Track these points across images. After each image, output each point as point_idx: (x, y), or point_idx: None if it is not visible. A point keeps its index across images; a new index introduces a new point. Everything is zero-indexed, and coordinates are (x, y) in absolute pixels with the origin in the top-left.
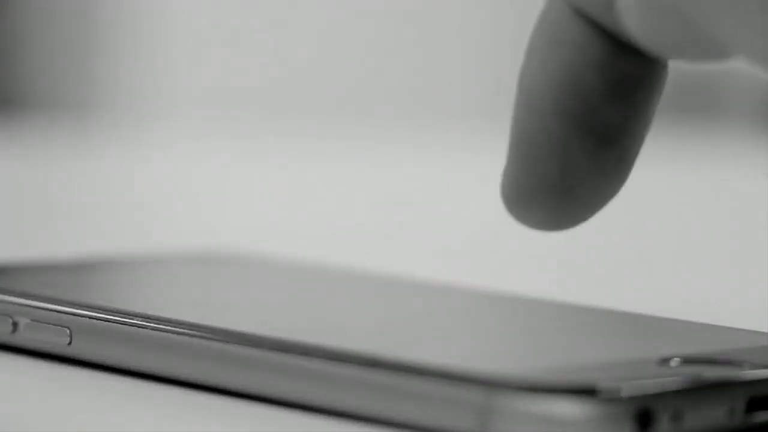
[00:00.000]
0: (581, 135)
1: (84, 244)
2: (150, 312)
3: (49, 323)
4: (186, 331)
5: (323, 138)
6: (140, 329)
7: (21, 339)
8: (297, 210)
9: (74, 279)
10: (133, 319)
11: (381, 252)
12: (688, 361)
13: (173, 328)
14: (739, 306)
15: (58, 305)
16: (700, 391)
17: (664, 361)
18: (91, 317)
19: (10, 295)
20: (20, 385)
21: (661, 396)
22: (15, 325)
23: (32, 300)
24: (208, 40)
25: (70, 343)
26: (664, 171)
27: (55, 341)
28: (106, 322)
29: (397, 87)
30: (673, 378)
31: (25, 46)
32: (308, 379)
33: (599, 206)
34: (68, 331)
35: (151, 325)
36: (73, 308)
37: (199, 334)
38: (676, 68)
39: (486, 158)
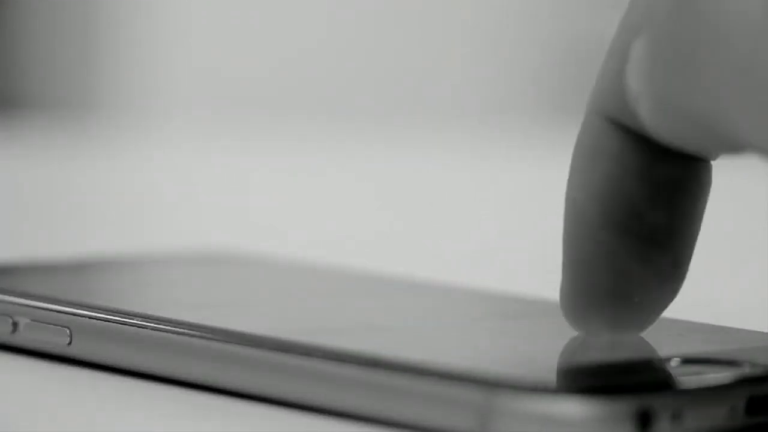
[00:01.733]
0: (631, 243)
1: (84, 244)
2: (150, 312)
3: (49, 323)
4: (186, 331)
5: (323, 138)
6: (140, 329)
7: (21, 339)
8: (297, 210)
9: (74, 279)
10: (133, 319)
11: (381, 252)
12: (688, 361)
13: (173, 328)
14: (739, 306)
15: (58, 305)
16: (700, 391)
17: (664, 361)
18: (91, 317)
19: (10, 295)
20: (20, 385)
21: (661, 396)
22: (15, 325)
23: (32, 300)
24: (208, 41)
25: (70, 343)
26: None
27: (55, 341)
28: (106, 322)
29: (397, 87)
30: (673, 378)
31: (25, 46)
32: (308, 379)
33: (658, 311)
34: (68, 331)
35: (151, 325)
36: (73, 308)
37: (199, 334)
38: None
39: (486, 159)
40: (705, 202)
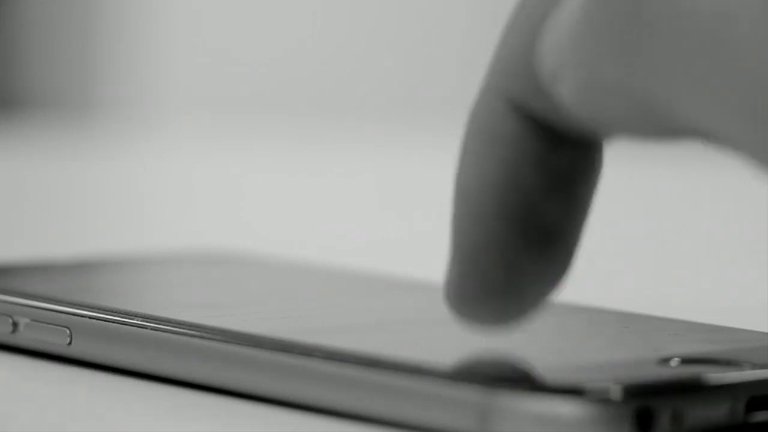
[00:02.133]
0: (523, 234)
1: (84, 244)
2: (150, 312)
3: (49, 323)
4: (186, 331)
5: (323, 138)
6: (140, 329)
7: (21, 339)
8: (297, 210)
9: (74, 279)
10: (133, 319)
11: (381, 252)
12: (688, 361)
13: (173, 328)
14: (739, 306)
15: (58, 305)
16: (700, 391)
17: (664, 361)
18: (91, 317)
19: (10, 295)
20: (20, 385)
21: (661, 396)
22: (15, 325)
23: (32, 300)
24: (208, 41)
25: (70, 343)
26: (665, 171)
27: (55, 341)
28: (106, 322)
29: (397, 88)
30: (673, 378)
31: (25, 46)
32: (308, 379)
33: (545, 299)
34: (68, 331)
35: (151, 325)
36: (73, 308)
37: (199, 334)
38: None
39: None
40: (596, 188)
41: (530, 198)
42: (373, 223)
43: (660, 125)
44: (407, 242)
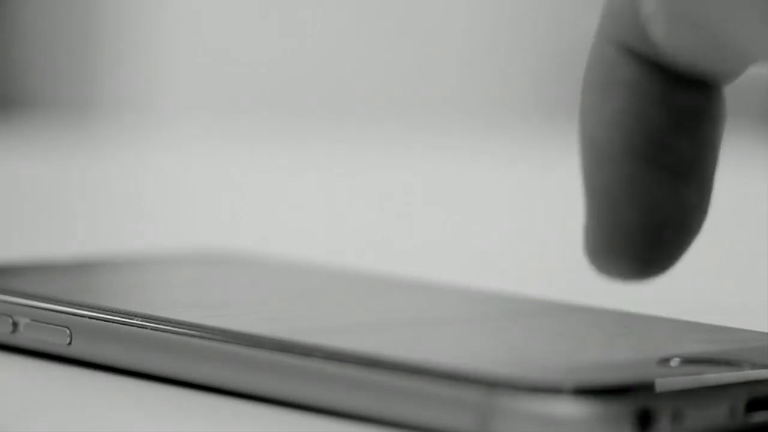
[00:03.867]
0: (657, 173)
1: (84, 244)
2: (150, 312)
3: (49, 323)
4: (186, 331)
5: (323, 138)
6: (140, 329)
7: (21, 339)
8: (296, 210)
9: (74, 279)
10: (133, 319)
11: (381, 252)
12: (688, 361)
13: (173, 328)
14: (739, 306)
15: (58, 305)
16: (700, 391)
17: (664, 361)
18: (91, 317)
19: (10, 295)
20: (20, 385)
21: (661, 396)
22: (15, 325)
23: (32, 300)
24: (208, 41)
25: (70, 343)
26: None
27: (55, 341)
28: (106, 322)
29: (397, 88)
30: (673, 378)
31: (25, 46)
32: (308, 379)
33: (686, 246)
34: (68, 331)
35: (151, 325)
36: (73, 308)
37: (199, 334)
38: None
39: (487, 159)
40: (723, 130)
41: (657, 135)
42: (373, 223)
43: (738, 58)
44: (407, 242)
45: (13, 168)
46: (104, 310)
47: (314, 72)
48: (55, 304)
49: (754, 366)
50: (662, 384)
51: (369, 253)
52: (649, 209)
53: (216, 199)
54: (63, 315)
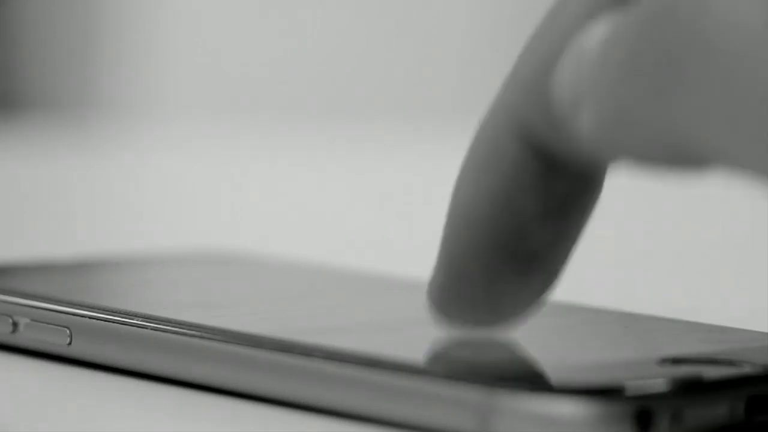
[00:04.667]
0: (509, 256)
1: (84, 244)
2: (150, 312)
3: (49, 323)
4: (186, 331)
5: (323, 138)
6: (140, 329)
7: (21, 339)
8: (297, 210)
9: (74, 279)
10: (133, 319)
11: (381, 252)
12: (688, 361)
13: (173, 328)
14: (739, 306)
15: (58, 305)
16: (700, 391)
17: (664, 361)
18: (91, 317)
19: (10, 295)
20: (20, 385)
21: (661, 396)
22: (15, 325)
23: (32, 300)
24: (208, 41)
25: (70, 343)
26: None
27: (55, 341)
28: (106, 322)
29: (397, 88)
30: (673, 378)
31: (25, 46)
32: (308, 379)
33: (522, 314)
34: (68, 331)
35: (151, 325)
36: (73, 308)
37: (199, 334)
38: None
39: None
40: (589, 218)
41: (521, 222)
42: (373, 223)
43: (683, 156)
44: (407, 242)
45: (13, 168)
46: (104, 310)
47: (314, 72)
48: (55, 304)
49: (754, 366)
50: (662, 384)
51: (369, 253)
52: (492, 285)
53: (216, 199)
54: (63, 315)
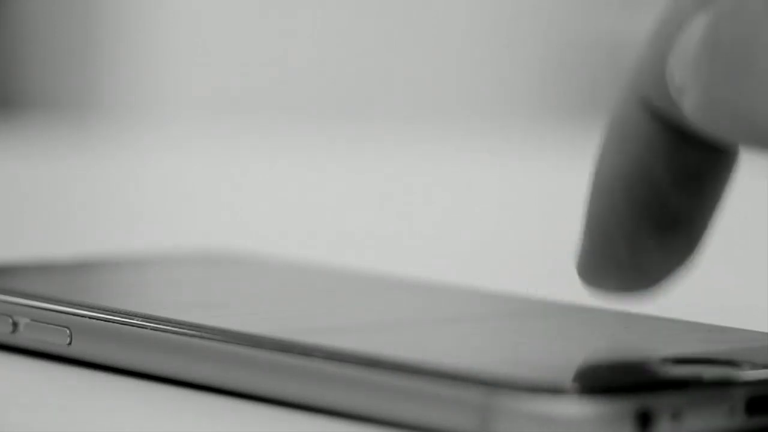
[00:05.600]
0: (650, 223)
1: (84, 244)
2: (150, 312)
3: (49, 323)
4: (186, 331)
5: (323, 138)
6: (140, 329)
7: (21, 339)
8: (297, 210)
9: (74, 279)
10: (133, 319)
11: (381, 252)
12: (688, 361)
13: (173, 328)
14: (739, 306)
15: (58, 305)
16: (700, 391)
17: (664, 361)
18: (91, 317)
19: (10, 295)
20: (20, 385)
21: (661, 396)
22: (15, 325)
23: (32, 300)
24: (208, 41)
25: (70, 343)
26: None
27: (55, 341)
28: (106, 322)
29: (397, 87)
30: (673, 378)
31: (25, 46)
32: (308, 379)
33: (667, 280)
34: (68, 331)
35: (151, 325)
36: (73, 308)
37: (199, 334)
38: None
39: (487, 159)
40: (727, 189)
41: (659, 191)
42: (373, 223)
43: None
44: (407, 242)
45: (13, 168)
46: (104, 310)
47: (314, 72)
48: (55, 304)
49: (754, 366)
50: (662, 384)
51: (369, 253)
52: (636, 252)
53: (216, 199)
54: (63, 315)
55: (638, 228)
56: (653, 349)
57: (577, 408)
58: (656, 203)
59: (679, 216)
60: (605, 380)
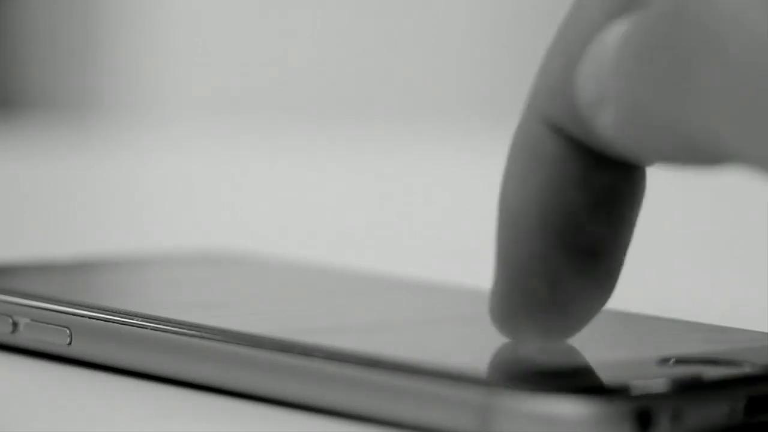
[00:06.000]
0: (568, 252)
1: (84, 244)
2: (150, 312)
3: (49, 323)
4: (186, 331)
5: (323, 138)
6: (140, 329)
7: (21, 339)
8: (297, 210)
9: (74, 279)
10: (133, 319)
11: (381, 252)
12: (688, 361)
13: (173, 328)
14: (739, 306)
15: (58, 305)
16: (700, 391)
17: (664, 361)
18: (91, 317)
19: (10, 295)
20: (20, 385)
21: (661, 396)
22: (15, 325)
23: (32, 300)
24: (208, 41)
25: (70, 343)
26: (664, 170)
27: (55, 341)
28: (106, 322)
29: (397, 87)
30: (673, 378)
31: (25, 46)
32: (308, 379)
33: (589, 317)
34: (68, 331)
35: (151, 325)
36: (73, 308)
37: (199, 334)
38: None
39: (485, 158)
40: (639, 209)
41: (574, 216)
42: (373, 223)
43: (700, 154)
44: (407, 242)
45: (13, 168)
46: (104, 310)
47: (314, 72)
48: (55, 304)
49: (754, 366)
50: (662, 384)
51: (369, 253)
52: (555, 285)
53: (216, 198)
54: (63, 315)
55: (556, 259)
56: (653, 349)
57: (577, 408)
58: (572, 229)
59: (596, 243)
60: (605, 380)
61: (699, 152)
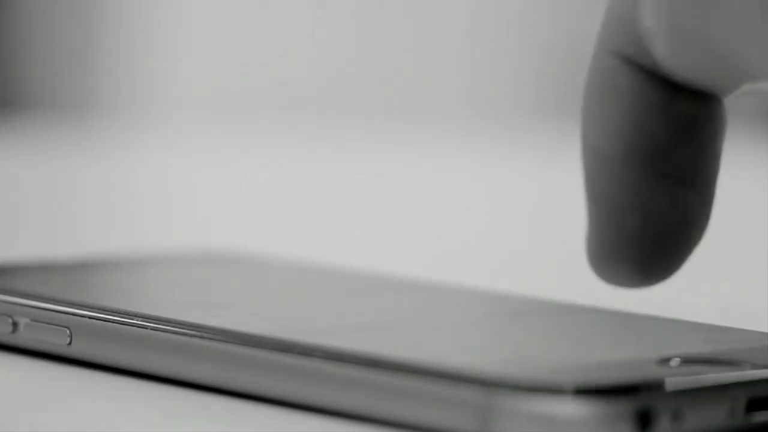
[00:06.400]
0: (657, 180)
1: (84, 244)
2: (150, 312)
3: (49, 323)
4: (186, 331)
5: (323, 138)
6: (140, 329)
7: (21, 339)
8: (297, 210)
9: (74, 279)
10: (133, 319)
11: (381, 252)
12: (688, 361)
13: (173, 328)
14: (739, 306)
15: (58, 305)
16: (700, 391)
17: (664, 361)
18: (91, 317)
19: (10, 295)
20: (20, 385)
21: (661, 396)
22: (15, 325)
23: (32, 300)
24: (208, 41)
25: (70, 343)
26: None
27: (55, 341)
28: (106, 322)
29: (397, 87)
30: (673, 378)
31: (25, 46)
32: (308, 379)
33: (688, 253)
34: (68, 331)
35: (151, 325)
36: (73, 308)
37: (199, 334)
38: None
39: (485, 158)
40: (723, 138)
41: (658, 144)
42: (373, 223)
43: (741, 76)
44: (407, 242)
45: (13, 168)
46: (104, 310)
47: (315, 72)
48: (55, 304)
49: (754, 366)
50: (662, 384)
51: (369, 253)
52: (650, 216)
53: (216, 198)
54: (63, 315)
55: (646, 187)
56: (653, 349)
57: (577, 408)
58: (658, 157)
59: (684, 171)
60: (605, 380)
61: (737, 73)
